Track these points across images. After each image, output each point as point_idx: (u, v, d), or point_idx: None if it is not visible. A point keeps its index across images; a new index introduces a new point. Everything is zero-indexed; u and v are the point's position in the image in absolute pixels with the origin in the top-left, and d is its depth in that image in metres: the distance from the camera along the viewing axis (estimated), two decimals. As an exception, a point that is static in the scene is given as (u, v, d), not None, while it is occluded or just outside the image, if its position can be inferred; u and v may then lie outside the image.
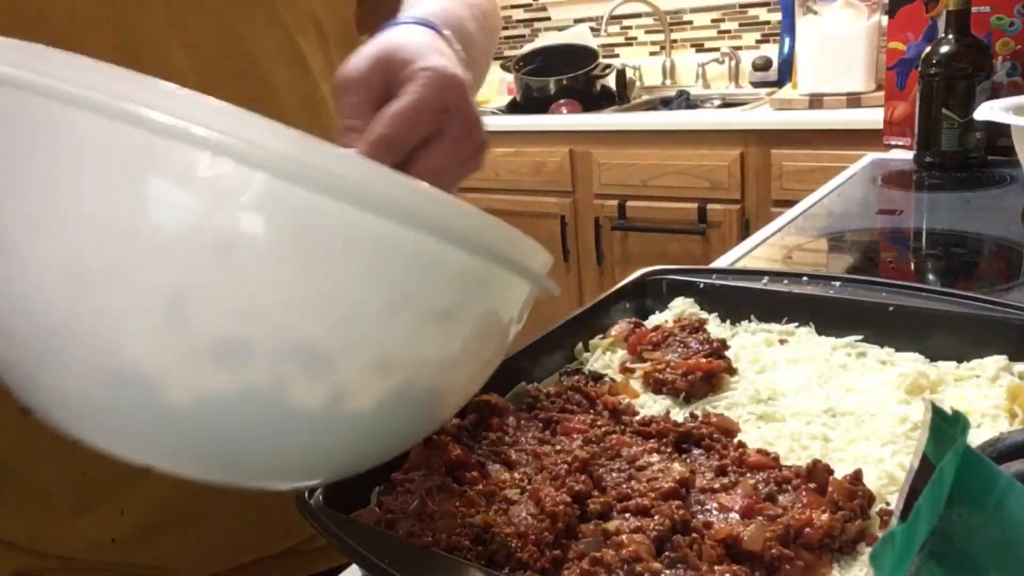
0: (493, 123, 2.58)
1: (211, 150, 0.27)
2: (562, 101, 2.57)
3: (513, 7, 3.11)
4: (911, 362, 0.60)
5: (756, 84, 2.61)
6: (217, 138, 0.27)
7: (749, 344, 0.65)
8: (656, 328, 0.67)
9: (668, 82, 2.84)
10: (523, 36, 3.14)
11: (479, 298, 0.34)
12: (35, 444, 0.57)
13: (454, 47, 0.52)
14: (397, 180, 0.30)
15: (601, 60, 2.70)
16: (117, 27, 0.54)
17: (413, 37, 0.50)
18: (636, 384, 0.61)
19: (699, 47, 2.83)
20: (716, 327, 0.69)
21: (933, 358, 0.60)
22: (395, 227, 0.29)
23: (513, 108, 2.73)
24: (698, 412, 0.56)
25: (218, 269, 0.28)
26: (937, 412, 0.32)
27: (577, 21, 2.96)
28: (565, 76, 2.60)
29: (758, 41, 2.72)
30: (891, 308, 0.63)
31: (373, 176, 0.29)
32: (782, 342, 0.65)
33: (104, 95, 0.27)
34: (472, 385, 0.40)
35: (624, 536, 0.41)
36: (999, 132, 1.25)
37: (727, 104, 2.56)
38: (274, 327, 0.29)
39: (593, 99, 2.63)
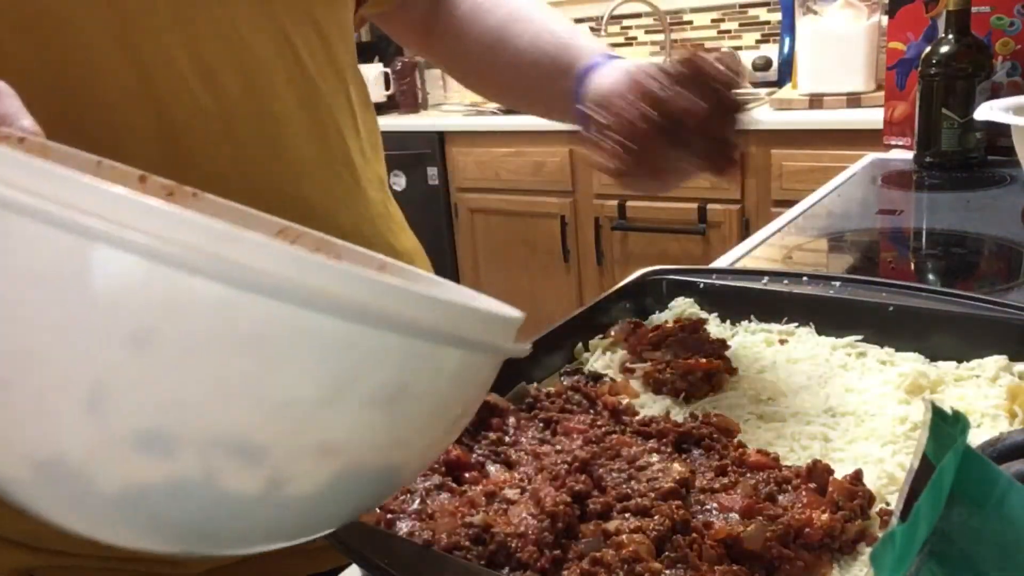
0: (493, 123, 2.58)
1: (119, 246, 0.26)
2: (562, 101, 2.57)
3: (513, 7, 3.11)
4: (911, 362, 0.60)
5: (756, 84, 2.61)
6: (127, 234, 0.26)
7: (749, 344, 0.65)
8: (656, 328, 0.67)
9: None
10: (523, 36, 3.14)
11: (429, 377, 0.32)
12: None
13: None
14: (320, 267, 0.28)
15: (601, 60, 2.69)
16: (118, 25, 0.54)
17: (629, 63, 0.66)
18: (636, 384, 0.61)
19: (699, 47, 2.83)
20: (716, 327, 0.69)
21: (933, 358, 0.60)
22: (322, 317, 0.28)
23: (513, 108, 2.73)
24: (698, 412, 0.56)
25: (136, 363, 0.27)
26: (937, 412, 0.32)
27: (577, 21, 2.96)
28: (565, 76, 2.60)
29: (758, 41, 2.72)
30: (891, 308, 0.63)
31: (293, 266, 0.27)
32: (782, 342, 0.65)
33: (15, 192, 0.26)
34: (433, 450, 0.38)
35: (624, 536, 0.41)
36: (999, 132, 1.25)
37: (727, 104, 2.56)
38: (199, 419, 0.28)
39: (593, 99, 2.63)
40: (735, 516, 0.44)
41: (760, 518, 0.43)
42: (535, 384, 0.61)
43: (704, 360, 0.60)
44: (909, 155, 1.43)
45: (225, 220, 0.43)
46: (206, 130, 0.58)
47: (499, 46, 0.78)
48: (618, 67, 0.66)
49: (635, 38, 2.93)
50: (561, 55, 0.73)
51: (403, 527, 0.43)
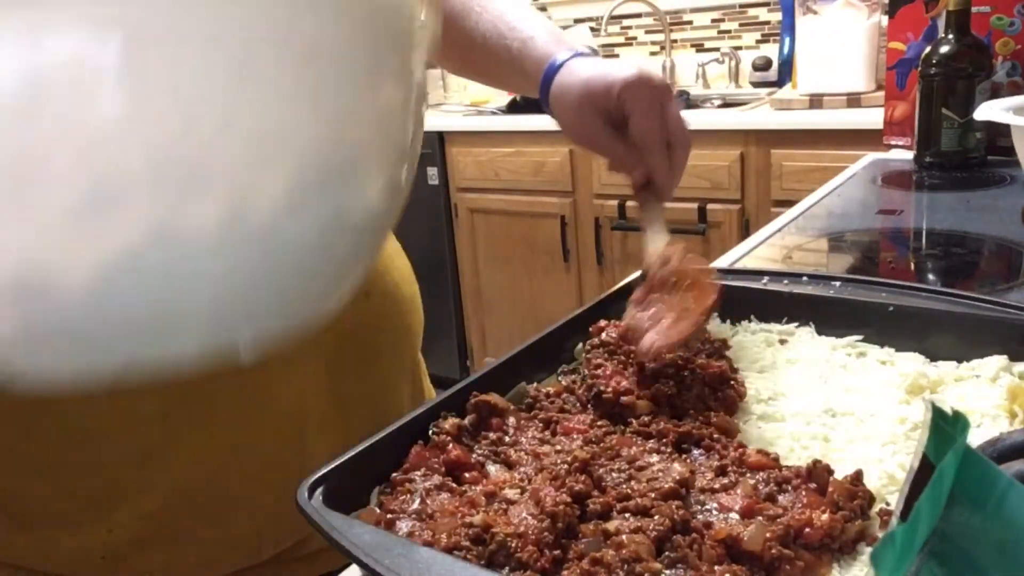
0: (493, 123, 2.58)
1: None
2: (562, 101, 2.57)
3: (513, 7, 3.11)
4: (911, 362, 0.60)
5: (756, 84, 2.61)
6: None
7: (749, 344, 0.65)
8: (656, 328, 0.67)
9: (668, 82, 2.84)
10: (523, 36, 3.13)
11: (328, 22, 0.28)
12: (23, 463, 0.56)
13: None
14: None
15: (601, 60, 2.69)
16: None
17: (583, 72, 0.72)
18: (636, 384, 0.61)
19: (699, 47, 2.83)
20: (716, 327, 0.69)
21: (933, 358, 0.60)
22: None
23: (513, 108, 2.73)
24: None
25: (49, 128, 0.25)
26: (937, 412, 0.32)
27: (577, 21, 2.96)
28: (565, 76, 2.59)
29: (758, 41, 2.72)
30: (891, 308, 0.63)
31: None
32: (782, 342, 0.65)
33: None
34: (391, 123, 0.33)
35: (624, 536, 0.41)
36: (999, 132, 1.25)
37: (727, 104, 2.56)
38: (126, 154, 0.26)
39: (593, 99, 2.63)
40: (735, 516, 0.44)
41: (760, 518, 0.43)
42: (535, 384, 0.61)
43: (704, 360, 0.60)
44: (909, 155, 1.43)
45: None
46: None
47: (455, 33, 0.79)
48: (577, 83, 0.72)
49: (635, 38, 2.93)
50: (514, 59, 0.76)
51: (403, 527, 0.43)
